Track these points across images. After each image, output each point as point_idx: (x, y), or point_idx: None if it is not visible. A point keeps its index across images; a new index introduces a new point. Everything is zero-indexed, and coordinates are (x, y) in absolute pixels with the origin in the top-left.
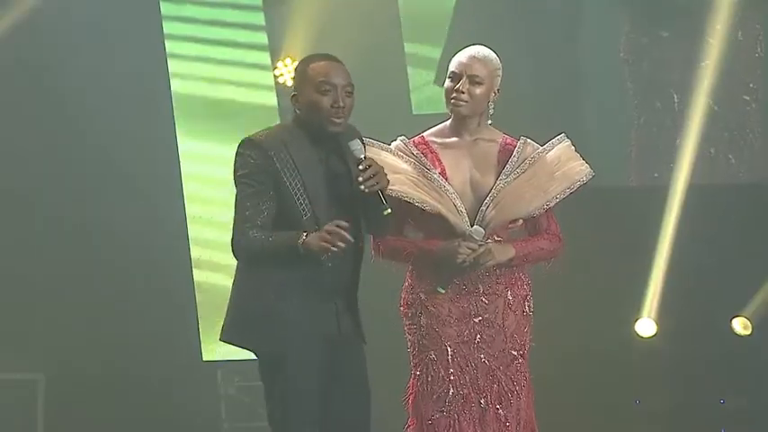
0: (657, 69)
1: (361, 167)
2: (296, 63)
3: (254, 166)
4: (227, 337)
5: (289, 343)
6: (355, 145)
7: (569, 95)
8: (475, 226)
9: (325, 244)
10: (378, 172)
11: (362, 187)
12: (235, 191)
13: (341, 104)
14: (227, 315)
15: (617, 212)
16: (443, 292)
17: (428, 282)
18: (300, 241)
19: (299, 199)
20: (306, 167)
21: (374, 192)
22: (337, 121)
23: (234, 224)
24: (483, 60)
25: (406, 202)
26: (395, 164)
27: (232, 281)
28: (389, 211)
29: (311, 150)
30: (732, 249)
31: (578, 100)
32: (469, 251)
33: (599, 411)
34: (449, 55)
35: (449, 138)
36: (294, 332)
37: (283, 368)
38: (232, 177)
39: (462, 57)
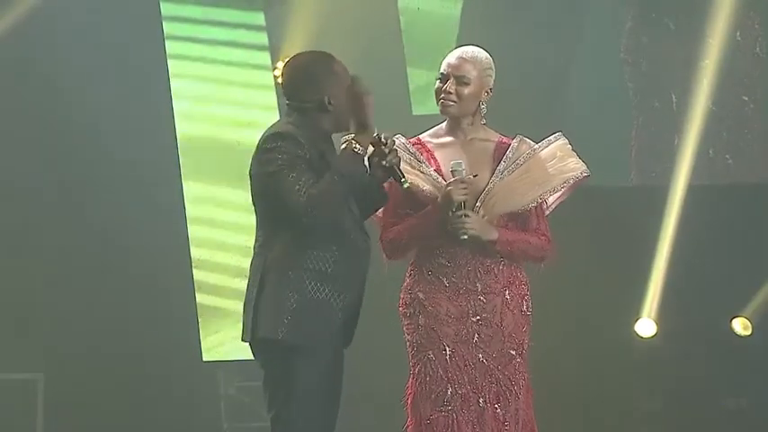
0: (656, 69)
1: (384, 142)
2: (304, 64)
3: (289, 155)
4: (269, 333)
5: (323, 337)
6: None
7: (569, 94)
8: (452, 161)
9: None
10: (394, 147)
11: (385, 162)
12: (271, 184)
13: None
14: (256, 313)
15: (617, 212)
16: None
17: (426, 278)
18: (353, 147)
19: None
20: (332, 159)
21: (394, 165)
22: None
23: (287, 198)
24: (471, 61)
25: (404, 196)
26: None
27: (248, 282)
28: (408, 184)
29: (326, 145)
30: (732, 249)
31: (578, 99)
32: (462, 185)
33: (599, 411)
34: None
35: (444, 138)
36: (326, 326)
37: (315, 362)
38: (258, 177)
39: (450, 58)
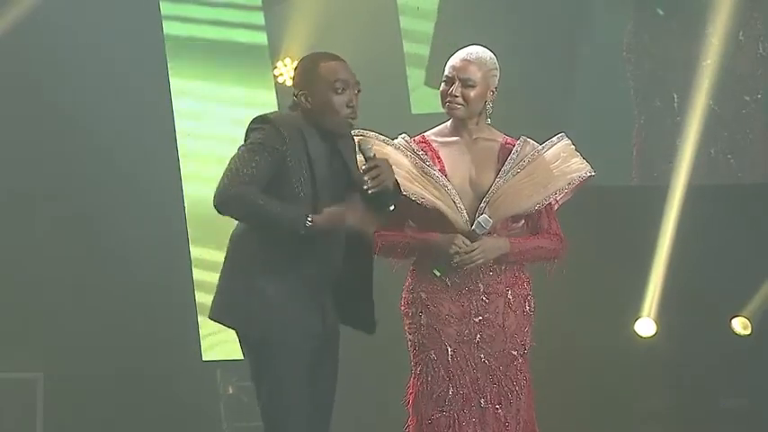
0: (659, 68)
1: (365, 167)
2: (296, 62)
3: (265, 139)
4: (215, 315)
5: (274, 328)
6: (365, 144)
7: (570, 94)
8: (483, 215)
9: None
10: (383, 171)
11: (369, 190)
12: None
13: (354, 104)
14: (216, 293)
15: (617, 212)
16: (439, 275)
17: (428, 278)
18: (308, 219)
19: (304, 189)
20: (318, 160)
21: (380, 191)
22: (352, 121)
23: (223, 176)
24: (476, 62)
25: (408, 200)
26: (396, 158)
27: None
28: (393, 207)
29: (322, 145)
30: (732, 249)
31: (580, 99)
32: (464, 245)
33: (599, 411)
34: (437, 55)
35: (449, 137)
36: (279, 318)
37: (267, 352)
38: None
39: (455, 60)
